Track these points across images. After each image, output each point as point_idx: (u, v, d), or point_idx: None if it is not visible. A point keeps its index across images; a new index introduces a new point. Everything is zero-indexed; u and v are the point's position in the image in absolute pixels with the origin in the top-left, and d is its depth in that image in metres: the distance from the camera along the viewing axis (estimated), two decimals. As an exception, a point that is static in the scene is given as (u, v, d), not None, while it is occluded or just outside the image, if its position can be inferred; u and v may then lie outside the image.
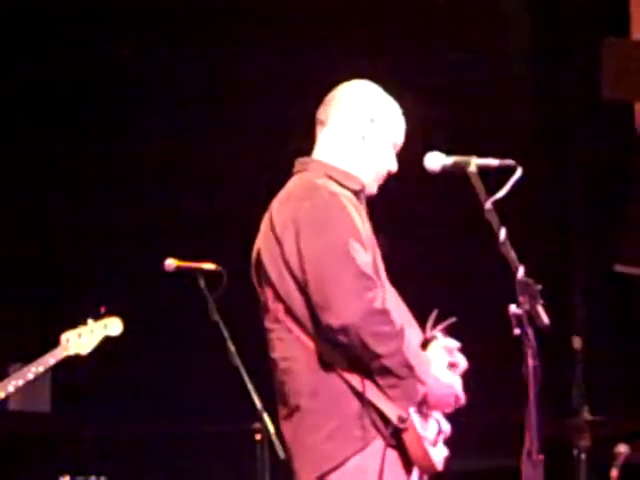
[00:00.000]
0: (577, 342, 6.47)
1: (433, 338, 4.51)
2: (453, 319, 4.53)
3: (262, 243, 4.44)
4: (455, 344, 4.54)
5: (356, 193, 4.52)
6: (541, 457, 4.16)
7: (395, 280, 4.54)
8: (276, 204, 4.45)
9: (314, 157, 4.59)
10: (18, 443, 6.82)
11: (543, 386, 4.19)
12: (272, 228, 4.39)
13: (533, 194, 4.53)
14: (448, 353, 4.51)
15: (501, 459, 5.12)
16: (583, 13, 7.41)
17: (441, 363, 4.45)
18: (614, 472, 6.44)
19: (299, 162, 4.59)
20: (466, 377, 4.54)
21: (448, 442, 4.49)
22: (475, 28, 7.48)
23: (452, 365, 4.49)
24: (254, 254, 4.47)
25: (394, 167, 4.59)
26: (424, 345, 4.51)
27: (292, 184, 4.51)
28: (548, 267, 4.61)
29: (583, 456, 6.44)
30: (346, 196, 4.44)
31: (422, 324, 4.57)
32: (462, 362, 4.53)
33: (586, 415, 6.45)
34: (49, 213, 8.22)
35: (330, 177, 4.48)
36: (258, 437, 5.18)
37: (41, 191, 8.25)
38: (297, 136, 4.68)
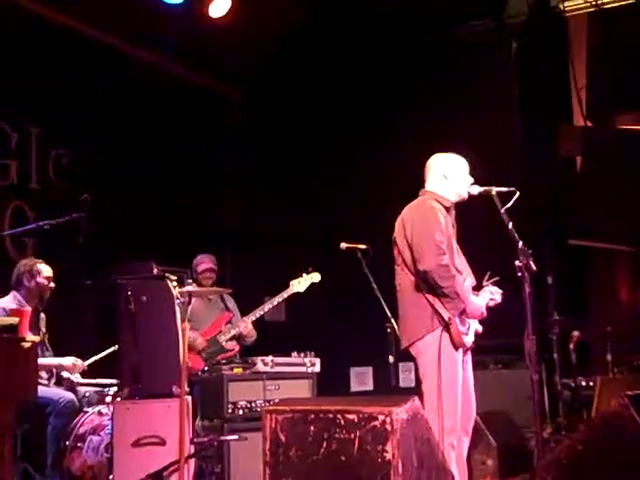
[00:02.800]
0: (549, 279, 6.43)
1: (486, 286, 4.56)
2: (497, 277, 4.56)
3: (397, 230, 4.52)
4: (496, 289, 4.56)
5: (447, 208, 4.54)
6: (534, 337, 4.23)
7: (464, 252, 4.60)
8: (404, 211, 4.55)
9: (426, 189, 4.62)
10: (268, 334, 6.57)
11: (533, 302, 4.26)
12: (402, 222, 4.49)
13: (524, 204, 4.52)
14: (491, 294, 4.54)
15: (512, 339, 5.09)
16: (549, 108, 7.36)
17: (484, 298, 4.50)
18: (571, 346, 6.38)
19: (421, 191, 4.63)
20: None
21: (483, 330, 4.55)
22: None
23: (491, 300, 4.53)
24: (393, 236, 4.53)
25: (467, 191, 4.55)
26: (479, 289, 4.56)
27: (414, 202, 4.58)
28: (533, 241, 4.57)
29: (554, 337, 6.35)
30: (440, 209, 4.48)
31: (476, 275, 4.60)
32: (498, 299, 4.56)
33: (555, 316, 6.37)
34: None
35: (434, 199, 4.53)
36: (389, 330, 5.18)
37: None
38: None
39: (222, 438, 4.95)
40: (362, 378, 7.95)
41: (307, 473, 3.17)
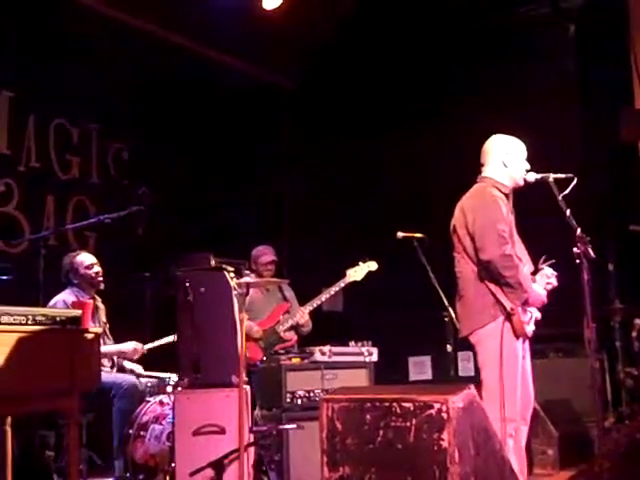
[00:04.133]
0: (610, 266, 6.32)
1: (541, 269, 4.51)
2: (553, 260, 4.52)
3: (456, 218, 4.48)
4: (552, 272, 4.51)
5: (506, 195, 4.49)
6: (594, 325, 4.18)
7: (523, 238, 4.56)
8: (464, 199, 4.51)
9: (484, 175, 4.56)
10: (326, 325, 6.57)
11: (592, 289, 4.20)
12: (462, 210, 4.45)
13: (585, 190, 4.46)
14: (547, 277, 4.49)
15: (564, 327, 5.04)
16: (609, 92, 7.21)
17: (541, 283, 4.45)
18: (634, 334, 6.27)
19: (479, 177, 4.58)
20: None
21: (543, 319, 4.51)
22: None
23: (548, 283, 4.48)
24: (452, 224, 4.49)
25: (522, 178, 4.49)
26: (535, 272, 4.51)
27: (473, 188, 4.54)
28: (594, 227, 4.51)
29: (616, 325, 6.27)
30: (500, 197, 4.43)
31: (534, 261, 4.56)
32: (554, 282, 4.51)
33: (617, 304, 6.28)
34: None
35: (493, 186, 4.48)
36: (446, 319, 5.16)
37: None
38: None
39: (280, 427, 5.00)
40: (420, 367, 7.90)
41: (364, 461, 3.19)
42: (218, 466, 4.25)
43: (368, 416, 3.19)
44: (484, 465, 3.10)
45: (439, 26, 7.80)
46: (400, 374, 7.82)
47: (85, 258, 5.59)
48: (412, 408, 3.08)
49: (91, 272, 5.54)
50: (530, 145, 4.63)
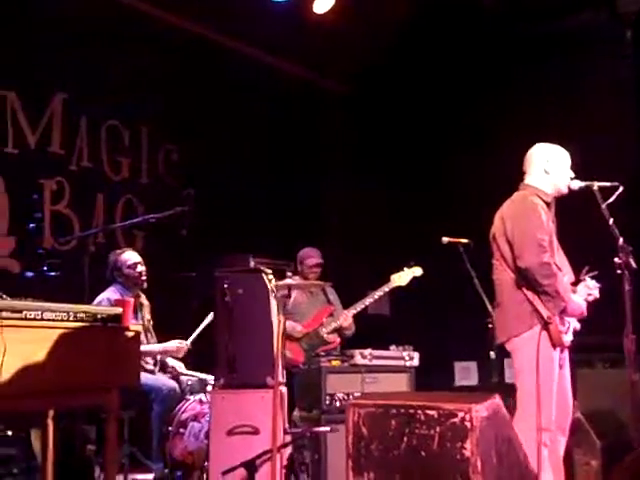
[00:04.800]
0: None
1: (583, 280, 4.47)
2: (596, 272, 4.48)
3: (496, 225, 4.48)
4: (594, 284, 4.48)
5: (547, 203, 4.45)
6: (634, 336, 4.13)
7: (564, 248, 4.52)
8: (504, 206, 4.50)
9: (526, 182, 4.54)
10: (372, 328, 6.67)
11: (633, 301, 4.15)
12: (501, 218, 4.44)
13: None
14: (588, 289, 4.45)
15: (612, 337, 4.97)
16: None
17: (582, 294, 4.42)
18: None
19: (521, 185, 4.56)
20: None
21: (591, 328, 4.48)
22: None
23: (589, 295, 4.45)
24: (492, 231, 4.49)
25: (567, 185, 4.48)
26: (577, 282, 4.47)
27: (515, 196, 4.53)
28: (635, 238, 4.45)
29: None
30: (541, 205, 4.39)
31: (574, 270, 4.52)
32: (596, 293, 4.47)
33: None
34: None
35: (535, 194, 4.46)
36: (490, 325, 5.12)
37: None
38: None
39: (314, 429, 5.01)
40: (466, 373, 7.87)
41: (388, 467, 3.20)
42: (251, 466, 4.29)
43: (393, 422, 3.21)
44: (508, 476, 3.09)
45: (497, 31, 7.74)
46: (446, 379, 7.79)
47: (130, 256, 5.65)
48: (436, 416, 3.09)
49: (134, 271, 5.60)
50: (584, 151, 4.60)
